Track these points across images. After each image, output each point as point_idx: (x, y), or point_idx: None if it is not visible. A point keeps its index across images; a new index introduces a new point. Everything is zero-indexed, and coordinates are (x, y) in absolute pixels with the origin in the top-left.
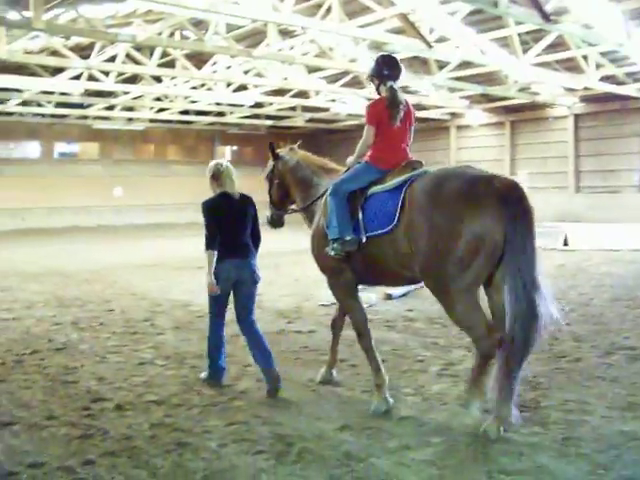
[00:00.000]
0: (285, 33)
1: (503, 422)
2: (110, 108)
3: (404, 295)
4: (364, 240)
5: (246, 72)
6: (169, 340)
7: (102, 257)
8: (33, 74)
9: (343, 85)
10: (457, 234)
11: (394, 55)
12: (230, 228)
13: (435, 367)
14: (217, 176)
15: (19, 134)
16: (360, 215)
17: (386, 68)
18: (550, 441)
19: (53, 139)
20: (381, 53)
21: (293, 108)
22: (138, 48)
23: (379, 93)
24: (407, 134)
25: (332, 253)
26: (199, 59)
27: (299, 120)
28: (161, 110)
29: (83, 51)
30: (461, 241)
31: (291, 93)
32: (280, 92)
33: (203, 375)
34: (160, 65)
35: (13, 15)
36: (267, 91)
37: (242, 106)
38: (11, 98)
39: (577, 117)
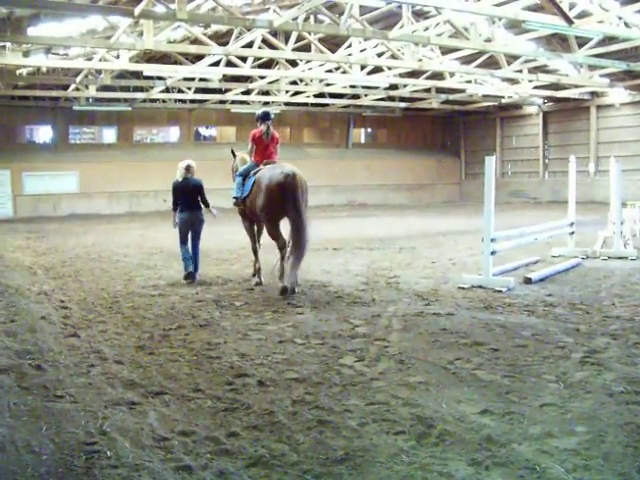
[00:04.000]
0: (419, 14)
1: (291, 286)
2: (247, 92)
3: (543, 280)
4: (242, 198)
5: (380, 54)
6: (308, 319)
7: (238, 238)
8: (175, 62)
9: (478, 66)
10: (264, 197)
11: (269, 110)
12: (184, 197)
13: (577, 354)
14: (181, 170)
15: (161, 120)
16: (244, 186)
17: (263, 117)
18: None
19: (193, 124)
20: (262, 109)
21: (428, 90)
22: (274, 33)
23: (259, 126)
24: (273, 147)
25: (234, 205)
26: (333, 42)
27: (434, 102)
28: (296, 93)
29: (221, 38)
30: (264, 200)
31: (425, 75)
32: (414, 74)
33: (184, 277)
34: (295, 49)
35: (160, 8)
36: (401, 73)
37: (377, 88)
38: (155, 86)
39: None
